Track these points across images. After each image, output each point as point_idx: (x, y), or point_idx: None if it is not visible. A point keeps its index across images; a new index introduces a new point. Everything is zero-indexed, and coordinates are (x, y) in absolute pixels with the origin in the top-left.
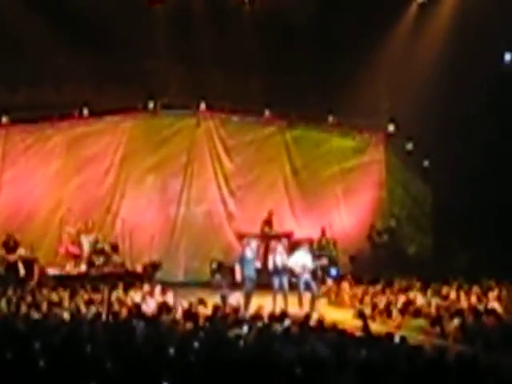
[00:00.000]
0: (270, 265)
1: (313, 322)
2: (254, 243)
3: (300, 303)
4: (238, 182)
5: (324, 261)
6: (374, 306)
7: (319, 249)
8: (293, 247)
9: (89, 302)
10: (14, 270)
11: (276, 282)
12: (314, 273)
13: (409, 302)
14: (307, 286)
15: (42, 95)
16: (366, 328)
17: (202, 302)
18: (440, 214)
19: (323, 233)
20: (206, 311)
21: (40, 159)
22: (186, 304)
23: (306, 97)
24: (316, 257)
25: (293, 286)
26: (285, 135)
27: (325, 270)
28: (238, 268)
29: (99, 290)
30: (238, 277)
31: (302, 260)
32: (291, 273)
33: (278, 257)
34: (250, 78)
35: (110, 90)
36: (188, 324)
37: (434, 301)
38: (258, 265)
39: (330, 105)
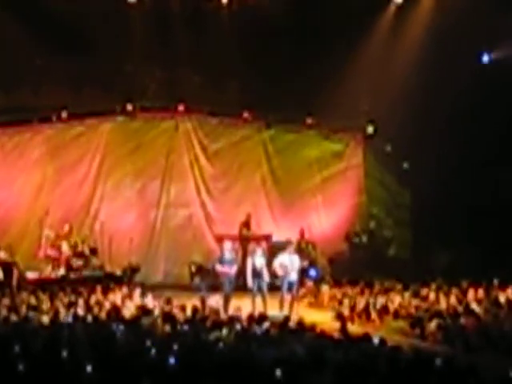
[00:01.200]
0: (249, 267)
1: (292, 323)
2: (232, 245)
3: (281, 305)
4: (216, 185)
5: (305, 263)
6: (353, 308)
7: (298, 251)
8: (271, 249)
9: (68, 305)
10: None
11: (255, 284)
12: (297, 274)
13: (388, 304)
14: (290, 288)
15: (20, 98)
16: (344, 329)
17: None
18: (419, 216)
19: (302, 235)
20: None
21: (19, 162)
22: (163, 306)
23: (284, 98)
24: (302, 258)
25: (274, 288)
26: (263, 137)
27: (304, 272)
28: (219, 267)
29: (78, 293)
30: (224, 274)
31: (286, 262)
32: (273, 274)
33: (257, 259)
34: (228, 80)
35: (88, 92)
36: (167, 326)
37: (413, 302)
38: (236, 264)
39: (309, 106)
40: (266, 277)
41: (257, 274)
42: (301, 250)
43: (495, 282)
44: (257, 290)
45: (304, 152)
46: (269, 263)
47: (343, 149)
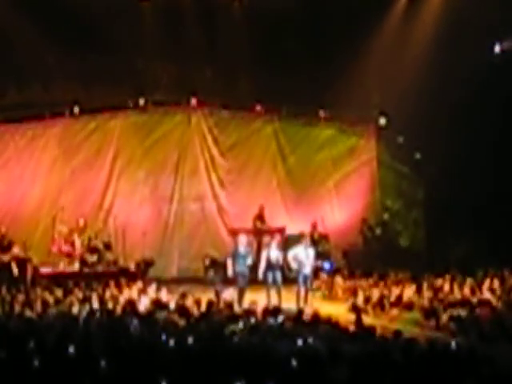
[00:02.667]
0: (264, 260)
1: (306, 316)
2: (246, 239)
3: (297, 298)
4: (229, 178)
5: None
6: (368, 300)
7: (312, 243)
8: (285, 242)
9: (83, 301)
10: (7, 270)
11: (270, 277)
12: (312, 268)
13: (402, 295)
14: (305, 281)
15: (32, 94)
16: (359, 322)
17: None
18: (432, 207)
19: (314, 227)
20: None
21: (31, 158)
22: (178, 300)
23: (296, 91)
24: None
25: (288, 281)
26: (276, 130)
27: (318, 265)
28: (229, 263)
29: (93, 288)
30: (230, 272)
31: (301, 255)
32: (288, 267)
33: (273, 252)
34: (240, 73)
35: (100, 88)
36: (182, 320)
37: (428, 293)
38: (251, 260)
39: (321, 99)
40: (281, 270)
41: (272, 267)
42: (314, 243)
43: (509, 271)
44: (272, 283)
45: (317, 145)
46: (283, 256)
47: (356, 141)
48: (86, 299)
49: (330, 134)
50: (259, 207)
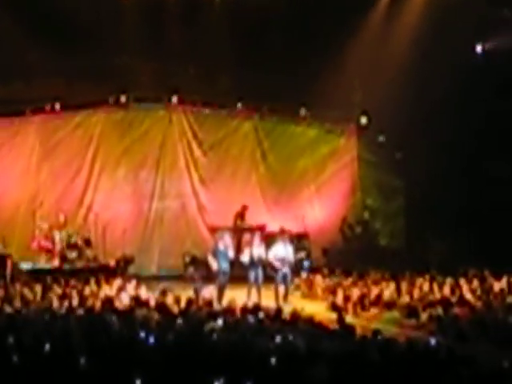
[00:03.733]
0: (246, 257)
1: (286, 314)
2: (226, 236)
3: (276, 297)
4: (210, 176)
5: (302, 254)
6: (347, 299)
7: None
8: (266, 240)
9: (62, 297)
10: None
11: (252, 274)
12: (291, 266)
13: (382, 294)
14: (284, 279)
15: (13, 90)
16: (341, 320)
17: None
18: (413, 206)
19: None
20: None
21: (12, 154)
22: (158, 297)
23: (277, 90)
24: (297, 250)
25: (268, 279)
26: (257, 128)
27: (299, 263)
28: (211, 260)
29: (72, 284)
30: (215, 267)
31: (280, 253)
32: (269, 266)
33: (256, 249)
34: (221, 71)
35: (81, 84)
36: (161, 317)
37: (407, 292)
38: (231, 255)
39: (302, 98)
40: (263, 267)
41: (255, 265)
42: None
43: (489, 271)
44: (253, 281)
45: (297, 143)
46: (265, 254)
47: (337, 140)
48: (66, 295)
49: (311, 132)
50: (242, 206)
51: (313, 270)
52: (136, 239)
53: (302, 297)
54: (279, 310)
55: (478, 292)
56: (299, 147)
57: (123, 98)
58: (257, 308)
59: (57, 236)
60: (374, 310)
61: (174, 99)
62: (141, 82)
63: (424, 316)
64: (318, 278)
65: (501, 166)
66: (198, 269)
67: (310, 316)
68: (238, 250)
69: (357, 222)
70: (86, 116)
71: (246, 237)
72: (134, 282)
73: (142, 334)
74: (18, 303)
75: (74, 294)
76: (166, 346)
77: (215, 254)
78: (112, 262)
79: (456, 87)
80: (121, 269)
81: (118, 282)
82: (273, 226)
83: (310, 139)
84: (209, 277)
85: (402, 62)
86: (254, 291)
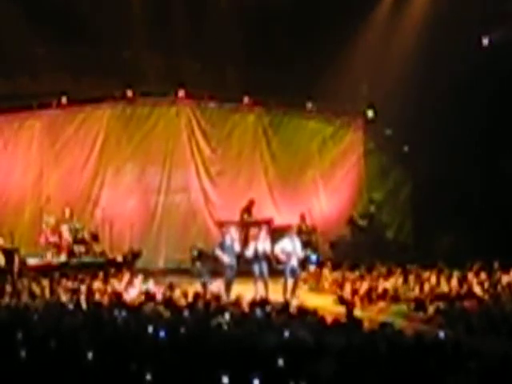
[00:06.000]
0: (251, 252)
1: (293, 308)
2: (233, 231)
3: (284, 290)
4: (217, 170)
5: (307, 248)
6: (355, 292)
7: (299, 235)
8: (273, 234)
9: (70, 292)
10: None
11: (256, 268)
12: (299, 260)
13: (389, 288)
14: (292, 273)
15: (20, 85)
16: (349, 314)
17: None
18: (420, 199)
19: (302, 219)
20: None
21: (19, 149)
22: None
23: (284, 83)
24: (305, 244)
25: (276, 273)
26: (263, 122)
27: (306, 257)
28: (219, 253)
29: (80, 279)
30: (226, 260)
31: (288, 247)
32: (276, 260)
33: (261, 244)
34: (228, 65)
35: (88, 79)
36: (169, 312)
37: (415, 285)
38: (238, 249)
39: (309, 91)
40: (268, 261)
41: (259, 259)
42: (301, 234)
43: (497, 264)
44: (259, 275)
45: (304, 136)
46: (271, 248)
47: (344, 133)
48: (74, 290)
49: (317, 126)
50: (249, 200)
51: (320, 263)
52: (143, 234)
53: (309, 290)
54: (287, 304)
55: (486, 285)
56: (306, 141)
57: (130, 93)
58: (264, 302)
59: (64, 231)
60: (381, 304)
61: (181, 93)
62: (147, 76)
63: (431, 309)
64: (326, 272)
65: (508, 159)
66: (206, 263)
67: (316, 310)
68: (245, 244)
69: (363, 215)
70: (93, 110)
71: (253, 231)
72: (141, 277)
73: (150, 329)
74: (25, 298)
75: (82, 288)
76: (174, 340)
77: (222, 248)
78: (119, 257)
79: (463, 80)
80: (128, 263)
81: (125, 277)
82: (280, 220)
83: (316, 133)
84: (216, 271)
85: (408, 56)
86: (260, 285)
